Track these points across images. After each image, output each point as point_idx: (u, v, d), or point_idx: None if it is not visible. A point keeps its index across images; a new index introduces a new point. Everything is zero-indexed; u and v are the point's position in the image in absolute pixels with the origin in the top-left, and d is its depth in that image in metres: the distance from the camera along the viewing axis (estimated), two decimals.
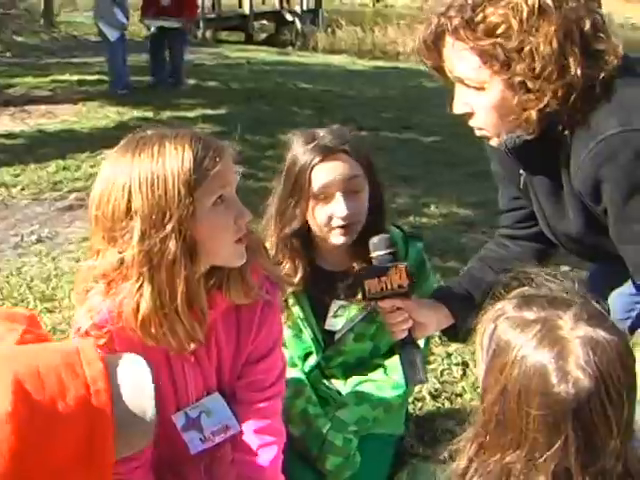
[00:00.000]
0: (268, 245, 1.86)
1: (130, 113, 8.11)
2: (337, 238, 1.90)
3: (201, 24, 16.17)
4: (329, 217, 1.87)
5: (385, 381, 2.10)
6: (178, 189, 1.33)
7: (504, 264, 1.90)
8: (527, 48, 1.39)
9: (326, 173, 1.84)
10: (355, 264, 1.91)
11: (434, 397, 2.89)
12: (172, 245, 1.34)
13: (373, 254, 1.73)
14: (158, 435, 1.56)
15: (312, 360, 2.11)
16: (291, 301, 1.99)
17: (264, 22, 20.37)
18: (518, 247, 1.94)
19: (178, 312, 1.40)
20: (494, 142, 1.61)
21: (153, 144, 1.36)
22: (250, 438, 1.67)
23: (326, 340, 2.09)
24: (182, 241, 1.35)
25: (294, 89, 10.14)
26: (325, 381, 2.17)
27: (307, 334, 2.04)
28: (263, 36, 19.59)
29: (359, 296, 1.80)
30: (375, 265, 1.74)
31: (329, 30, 19.23)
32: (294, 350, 2.09)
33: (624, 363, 1.06)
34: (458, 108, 1.57)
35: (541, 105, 1.43)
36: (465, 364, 3.13)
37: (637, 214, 1.46)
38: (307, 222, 1.90)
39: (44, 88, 9.64)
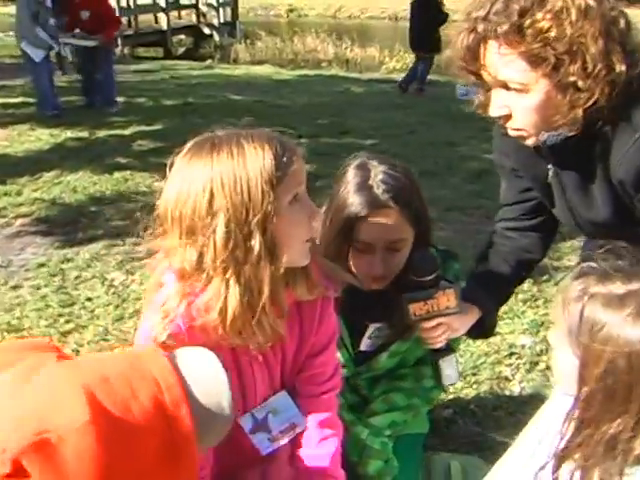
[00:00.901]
0: None
1: (64, 134, 7.92)
2: (370, 284, 1.90)
3: (119, 41, 15.93)
4: (365, 268, 1.87)
5: (413, 389, 2.12)
6: (262, 187, 1.31)
7: (516, 256, 1.97)
8: (577, 49, 1.42)
9: (369, 231, 1.81)
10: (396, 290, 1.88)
11: None
12: (256, 243, 1.32)
13: (419, 278, 1.75)
14: (225, 441, 1.55)
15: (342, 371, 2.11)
16: None
17: (181, 37, 20.22)
18: (525, 238, 1.98)
19: (265, 309, 1.39)
20: (530, 141, 1.63)
21: (230, 144, 1.34)
22: (311, 432, 1.67)
23: (358, 358, 2.09)
24: (265, 239, 1.33)
25: (225, 101, 10.10)
26: (352, 391, 2.17)
27: (341, 354, 2.02)
28: (181, 50, 19.43)
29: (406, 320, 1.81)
30: (421, 289, 1.75)
31: (248, 42, 19.25)
32: None
33: None
34: (495, 111, 1.59)
35: (590, 102, 1.47)
36: None
37: None
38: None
39: None
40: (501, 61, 1.49)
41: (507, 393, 2.99)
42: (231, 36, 19.69)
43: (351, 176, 1.85)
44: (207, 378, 1.15)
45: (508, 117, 1.57)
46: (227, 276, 1.33)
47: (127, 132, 8.00)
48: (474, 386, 3.01)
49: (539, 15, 1.41)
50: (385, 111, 9.62)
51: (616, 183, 1.57)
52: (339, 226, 1.83)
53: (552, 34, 1.41)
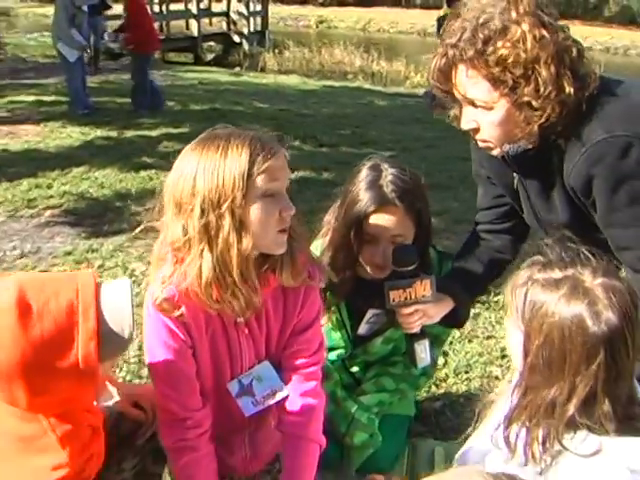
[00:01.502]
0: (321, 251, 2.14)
1: (93, 133, 8.23)
2: (374, 272, 2.15)
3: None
4: (369, 257, 2.12)
5: (402, 375, 2.35)
6: (234, 178, 1.56)
7: (489, 256, 2.21)
8: (531, 74, 1.66)
9: (376, 225, 2.07)
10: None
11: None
12: (226, 223, 1.57)
13: (398, 268, 1.98)
14: (214, 404, 1.80)
15: (337, 352, 2.34)
16: (333, 308, 2.24)
17: (211, 43, 20.51)
18: (498, 240, 2.22)
19: (235, 279, 1.62)
20: (496, 152, 1.87)
21: (220, 140, 1.59)
22: (296, 400, 1.89)
23: (356, 341, 2.34)
24: (234, 220, 1.58)
25: (251, 108, 10.38)
26: (347, 372, 2.41)
27: (341, 335, 2.28)
28: (211, 57, 19.73)
29: (386, 305, 2.05)
30: (400, 277, 1.99)
31: (276, 51, 19.55)
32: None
33: (634, 302, 1.35)
34: (465, 125, 1.84)
35: (543, 120, 1.71)
36: (445, 353, 3.42)
37: (621, 203, 1.73)
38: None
39: (2, 109, 9.66)
40: (468, 82, 1.74)
41: (496, 391, 3.18)
42: (260, 45, 19.95)
43: (364, 175, 2.10)
44: (118, 304, 1.51)
45: (476, 130, 1.82)
46: (201, 247, 1.59)
47: (154, 134, 8.30)
48: (465, 382, 3.22)
49: (499, 43, 1.65)
50: (406, 125, 9.85)
51: (569, 190, 1.80)
52: (350, 218, 2.08)
53: (510, 60, 1.65)
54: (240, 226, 1.59)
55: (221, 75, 15.01)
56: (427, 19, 25.20)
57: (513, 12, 1.67)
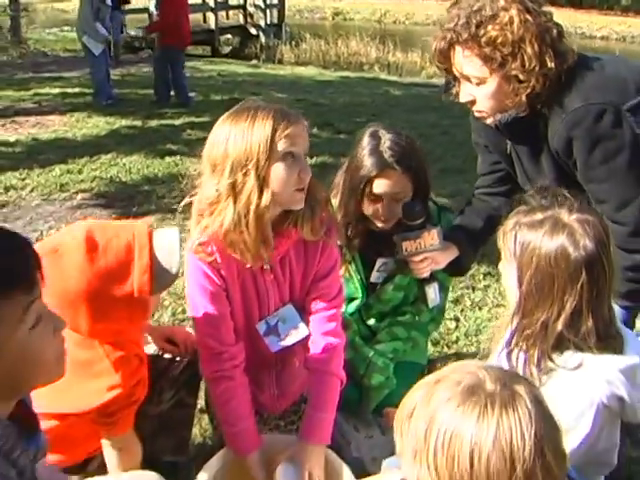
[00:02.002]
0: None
1: (118, 122, 8.53)
2: (380, 225, 2.44)
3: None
4: (374, 212, 2.40)
5: (412, 323, 2.61)
6: (258, 143, 1.81)
7: (487, 213, 2.49)
8: (517, 51, 1.95)
9: (378, 186, 2.34)
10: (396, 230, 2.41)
11: (434, 344, 3.41)
12: (250, 180, 1.83)
13: (408, 222, 2.25)
14: (245, 342, 2.06)
15: (355, 304, 2.61)
16: (348, 257, 2.51)
17: (228, 36, 20.73)
18: (495, 201, 2.49)
19: (249, 229, 1.87)
20: (489, 121, 2.15)
21: (249, 111, 1.85)
22: (318, 340, 2.14)
23: (369, 289, 2.61)
24: (257, 179, 1.83)
25: (270, 98, 10.57)
26: (364, 324, 2.68)
27: (357, 282, 2.56)
28: (228, 49, 19.96)
29: (398, 255, 2.33)
30: (410, 230, 2.26)
31: (293, 43, 19.76)
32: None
33: (606, 232, 1.63)
34: (463, 98, 2.13)
35: (529, 90, 1.99)
36: (457, 319, 3.67)
37: (597, 161, 2.00)
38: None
39: (28, 101, 9.98)
40: (464, 61, 2.03)
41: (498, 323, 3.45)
42: (277, 37, 20.15)
43: (365, 142, 2.37)
44: (167, 247, 1.82)
45: (473, 102, 2.11)
46: (227, 202, 1.85)
47: (177, 122, 8.60)
48: (475, 344, 3.48)
49: (490, 27, 1.94)
50: (421, 113, 10.06)
51: (554, 153, 2.06)
52: (356, 182, 2.35)
53: (499, 40, 1.94)
54: (262, 184, 1.84)
55: (239, 67, 15.27)
56: (443, 10, 25.19)
57: (502, 0, 1.96)
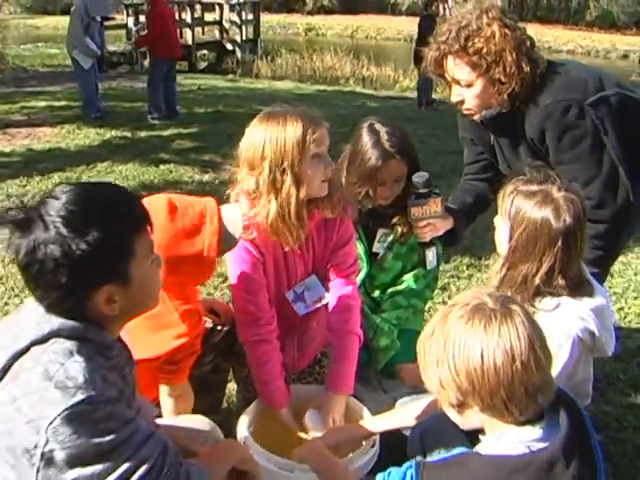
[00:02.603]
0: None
1: (109, 133, 8.83)
2: (383, 203, 2.84)
3: (147, 54, 16.83)
4: (380, 193, 2.79)
5: (411, 291, 2.99)
6: (292, 145, 2.18)
7: (475, 194, 2.92)
8: (499, 59, 2.37)
9: (383, 173, 2.72)
10: (395, 207, 2.84)
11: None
12: (287, 178, 2.19)
13: (418, 190, 2.61)
14: (276, 309, 2.41)
15: (361, 275, 2.97)
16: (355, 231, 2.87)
17: (205, 52, 21.02)
18: (481, 185, 2.93)
19: (292, 219, 2.24)
20: (477, 117, 2.57)
21: (280, 116, 2.21)
22: (337, 302, 2.52)
23: (372, 259, 2.99)
24: (293, 177, 2.19)
25: (251, 110, 10.85)
26: (369, 296, 3.05)
27: (362, 253, 2.94)
28: (204, 65, 20.24)
29: (398, 229, 2.81)
30: (419, 197, 2.62)
31: (269, 58, 20.13)
32: None
33: (584, 210, 2.01)
34: (454, 98, 2.56)
35: (510, 90, 2.42)
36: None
37: (565, 147, 2.42)
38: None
39: (17, 114, 10.24)
40: (455, 68, 2.46)
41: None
42: (252, 52, 20.48)
43: (366, 137, 2.75)
44: (232, 216, 2.17)
45: (462, 102, 2.53)
46: (270, 197, 2.22)
47: (166, 133, 8.92)
48: None
49: (476, 40, 2.37)
50: (398, 124, 10.45)
51: (530, 142, 2.50)
52: (364, 172, 2.73)
53: (484, 51, 2.37)
54: (298, 180, 2.21)
55: (218, 81, 15.60)
56: (413, 26, 25.81)
57: (485, 18, 2.40)
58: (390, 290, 3.01)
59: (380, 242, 2.96)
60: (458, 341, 1.49)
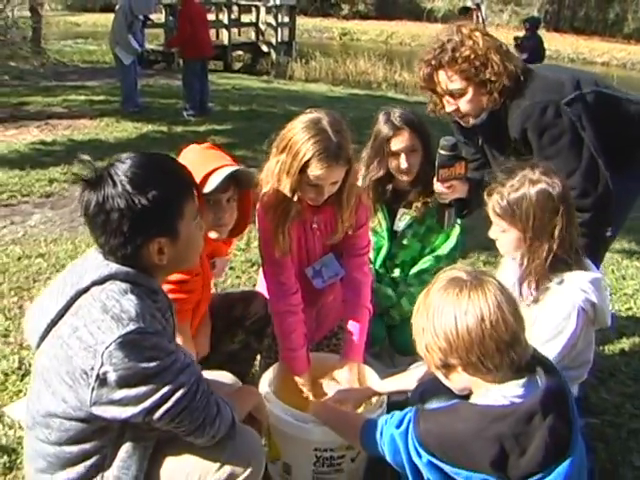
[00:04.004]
0: (363, 177, 3.04)
1: (146, 127, 9.16)
2: (402, 177, 3.08)
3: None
4: (397, 166, 3.03)
5: (436, 270, 3.18)
6: (298, 165, 2.41)
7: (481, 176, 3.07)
8: (487, 61, 2.60)
9: (395, 144, 3.00)
10: (414, 187, 3.11)
11: None
12: (287, 180, 2.46)
13: (444, 152, 2.77)
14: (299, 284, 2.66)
15: (383, 252, 3.25)
16: (377, 209, 3.17)
17: (240, 53, 21.35)
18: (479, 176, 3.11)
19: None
20: (472, 121, 2.78)
21: (312, 125, 2.42)
22: (351, 277, 2.79)
23: (393, 237, 3.25)
24: (290, 184, 2.45)
25: (284, 110, 11.20)
26: (389, 275, 3.31)
27: (384, 230, 3.21)
28: (239, 65, 20.58)
29: (417, 205, 3.05)
30: (447, 159, 2.79)
31: (303, 61, 20.42)
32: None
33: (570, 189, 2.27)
34: (449, 109, 2.76)
35: (500, 87, 2.63)
36: None
37: (545, 144, 2.62)
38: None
39: (58, 106, 10.66)
40: (447, 80, 2.68)
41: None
42: (287, 55, 20.78)
43: (381, 118, 3.05)
44: None
45: (457, 110, 2.74)
46: (276, 176, 2.48)
47: (201, 129, 9.23)
48: None
49: (463, 49, 2.60)
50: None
51: (514, 142, 2.72)
52: (378, 145, 3.03)
53: (472, 57, 2.60)
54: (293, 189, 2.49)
55: (252, 82, 15.91)
56: None
57: (463, 30, 2.64)
58: (416, 269, 3.25)
59: (401, 220, 3.22)
60: (437, 309, 1.74)
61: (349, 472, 2.47)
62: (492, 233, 2.40)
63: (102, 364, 1.61)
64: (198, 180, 2.14)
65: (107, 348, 1.61)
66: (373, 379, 2.62)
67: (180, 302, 2.32)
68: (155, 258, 1.77)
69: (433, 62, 2.67)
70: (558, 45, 29.98)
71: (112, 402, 1.65)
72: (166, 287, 2.16)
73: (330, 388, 2.62)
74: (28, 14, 18.92)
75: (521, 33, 12.44)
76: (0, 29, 17.07)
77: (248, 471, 1.87)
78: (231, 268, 4.54)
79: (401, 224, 3.22)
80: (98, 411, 1.67)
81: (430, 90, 2.79)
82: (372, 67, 20.10)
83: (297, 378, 2.62)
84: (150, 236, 1.74)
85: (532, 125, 2.62)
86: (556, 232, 2.21)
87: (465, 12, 12.20)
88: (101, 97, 11.60)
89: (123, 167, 1.73)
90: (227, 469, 1.85)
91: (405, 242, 3.24)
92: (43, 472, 1.82)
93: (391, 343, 3.22)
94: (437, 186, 2.84)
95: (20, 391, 3.04)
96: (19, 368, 3.23)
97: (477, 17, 12.68)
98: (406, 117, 3.02)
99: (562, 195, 2.22)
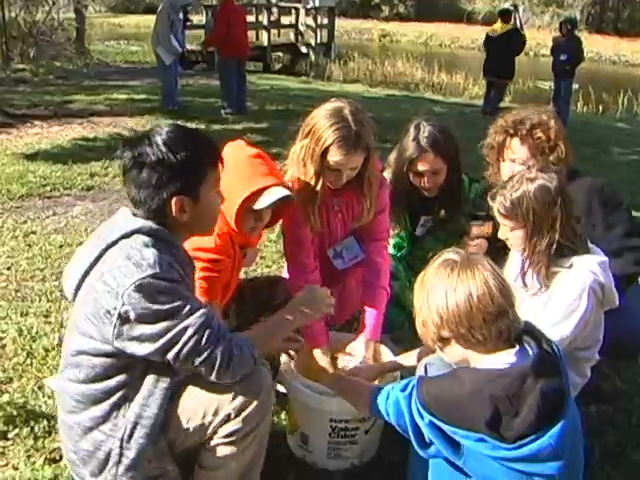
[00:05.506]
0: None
1: (185, 124, 9.34)
2: (426, 193, 3.22)
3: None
4: (420, 184, 3.18)
5: None
6: (319, 149, 2.59)
7: None
8: (555, 147, 2.91)
9: (419, 165, 3.12)
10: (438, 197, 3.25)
11: None
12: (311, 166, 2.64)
13: (478, 212, 3.04)
14: (320, 264, 2.81)
15: (402, 252, 3.42)
16: (400, 216, 3.31)
17: (279, 54, 21.55)
18: None
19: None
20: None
21: (333, 114, 2.64)
22: (371, 259, 2.94)
23: (414, 241, 3.40)
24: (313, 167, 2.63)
25: None
26: (410, 270, 3.43)
27: (405, 234, 3.37)
28: (279, 66, 20.78)
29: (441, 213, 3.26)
30: (477, 219, 3.05)
31: (341, 62, 20.56)
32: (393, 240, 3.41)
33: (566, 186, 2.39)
34: (506, 174, 2.92)
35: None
36: None
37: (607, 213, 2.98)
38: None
39: (100, 104, 11.01)
40: (518, 148, 2.98)
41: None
42: (326, 56, 20.91)
43: (410, 131, 3.15)
44: None
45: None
46: (301, 160, 2.64)
47: (238, 127, 9.44)
48: None
49: (538, 129, 2.94)
50: (461, 128, 10.73)
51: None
52: (403, 161, 3.14)
53: (543, 138, 2.93)
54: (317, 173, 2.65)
55: (290, 82, 16.14)
56: None
57: (543, 115, 2.98)
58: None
59: (422, 226, 3.38)
60: (430, 288, 1.91)
61: (362, 444, 2.61)
62: (501, 234, 2.55)
63: (123, 304, 1.84)
64: (248, 194, 2.39)
65: (127, 289, 1.84)
66: (389, 357, 2.76)
67: (211, 280, 2.51)
68: (177, 214, 1.99)
69: (511, 130, 2.94)
70: (599, 47, 29.71)
71: (132, 338, 1.88)
72: (199, 265, 2.38)
73: (346, 363, 2.77)
74: (73, 16, 19.47)
75: (558, 34, 12.40)
76: (46, 30, 17.61)
77: (256, 402, 2.06)
78: (262, 257, 4.72)
79: (422, 230, 3.38)
80: (120, 345, 1.90)
81: (494, 155, 3.07)
82: (410, 68, 20.18)
83: (315, 352, 2.76)
84: (174, 192, 1.96)
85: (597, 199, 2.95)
86: (557, 223, 2.36)
87: (507, 13, 12.17)
88: (142, 96, 11.90)
89: (160, 132, 1.98)
90: (240, 399, 2.04)
91: (426, 245, 3.37)
92: (71, 413, 2.05)
93: (412, 330, 3.32)
94: (467, 240, 3.04)
95: (59, 365, 3.23)
96: (59, 345, 3.42)
97: (515, 19, 12.68)
98: (433, 138, 3.09)
99: (559, 188, 2.37)
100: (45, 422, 2.81)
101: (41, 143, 8.22)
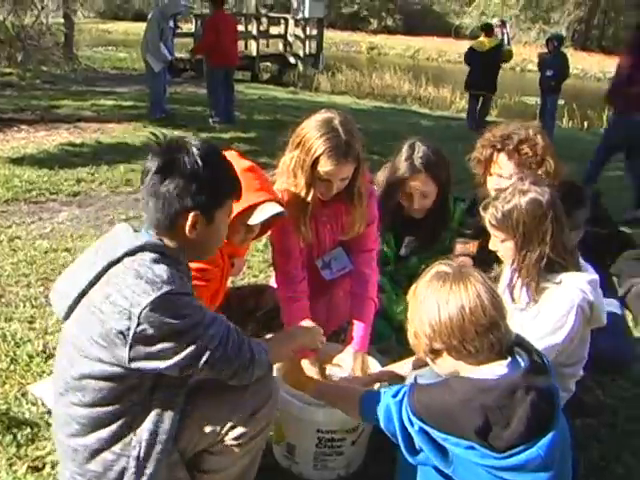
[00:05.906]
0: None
1: (172, 133, 9.35)
2: (413, 214, 3.22)
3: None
4: (409, 205, 3.18)
5: None
6: (311, 158, 2.57)
7: None
8: (542, 163, 2.97)
9: (410, 186, 3.11)
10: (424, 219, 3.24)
11: None
12: (302, 176, 2.62)
13: (465, 230, 3.08)
14: (308, 274, 2.81)
15: (387, 268, 3.39)
16: (386, 236, 3.30)
17: (268, 64, 21.60)
18: None
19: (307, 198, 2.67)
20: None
21: (324, 125, 2.63)
22: (359, 271, 2.94)
23: (399, 260, 3.41)
24: (304, 178, 2.62)
25: None
26: (393, 282, 3.44)
27: (391, 254, 3.36)
28: (267, 76, 20.83)
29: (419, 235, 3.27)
30: (463, 237, 3.10)
31: (329, 73, 20.64)
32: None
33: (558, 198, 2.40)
34: (496, 186, 2.98)
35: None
36: None
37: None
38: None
39: (87, 110, 10.96)
40: (505, 163, 3.06)
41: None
42: (314, 67, 21.01)
43: (404, 151, 3.13)
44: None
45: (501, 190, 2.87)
46: (292, 171, 2.63)
47: (226, 136, 9.43)
48: None
49: (525, 145, 3.00)
50: (447, 142, 10.80)
51: None
52: (394, 181, 3.13)
53: (530, 154, 3.00)
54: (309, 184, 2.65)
55: (278, 92, 16.16)
56: None
57: (530, 130, 3.04)
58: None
59: (406, 247, 3.38)
60: (422, 300, 1.91)
61: (349, 455, 2.61)
62: (492, 245, 2.55)
63: (139, 324, 1.78)
64: (241, 209, 2.37)
65: (144, 309, 1.78)
66: (376, 368, 2.76)
67: (199, 289, 2.46)
68: (188, 230, 1.95)
69: (498, 145, 3.00)
70: (585, 64, 30.00)
71: (151, 356, 1.82)
72: None
73: (334, 374, 2.76)
74: (61, 20, 19.41)
75: (544, 51, 12.51)
76: (34, 35, 17.55)
77: (266, 406, 2.09)
78: (249, 267, 4.71)
79: (407, 250, 3.38)
80: (137, 365, 1.84)
81: (482, 169, 3.13)
82: (398, 81, 20.33)
83: (303, 363, 2.74)
84: (194, 206, 1.92)
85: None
86: (547, 237, 2.37)
87: (489, 28, 12.24)
88: (129, 102, 11.88)
89: (197, 143, 1.95)
90: (251, 403, 2.06)
91: (410, 264, 3.39)
92: (74, 436, 1.96)
93: (399, 342, 3.31)
94: (452, 258, 3.05)
95: (44, 372, 3.21)
96: (43, 351, 3.40)
97: (502, 34, 12.78)
98: (427, 159, 3.07)
99: (551, 202, 2.38)
100: (28, 429, 2.77)
101: (27, 148, 8.18)
